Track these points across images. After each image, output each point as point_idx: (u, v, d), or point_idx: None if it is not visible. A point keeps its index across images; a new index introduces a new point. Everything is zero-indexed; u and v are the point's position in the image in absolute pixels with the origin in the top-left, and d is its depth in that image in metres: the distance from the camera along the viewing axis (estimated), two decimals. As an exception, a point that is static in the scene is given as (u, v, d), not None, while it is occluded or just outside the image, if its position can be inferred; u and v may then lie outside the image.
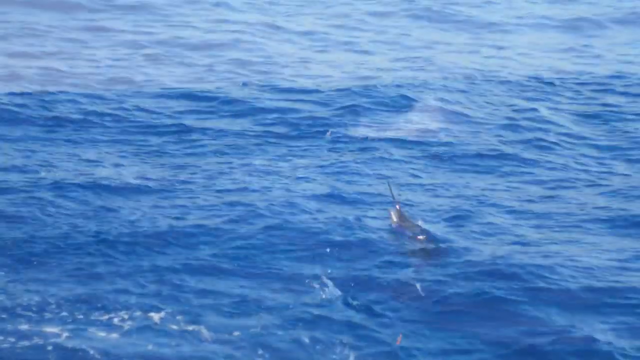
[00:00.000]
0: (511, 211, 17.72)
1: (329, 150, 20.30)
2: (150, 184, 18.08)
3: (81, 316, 13.43)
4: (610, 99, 23.83)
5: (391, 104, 23.07)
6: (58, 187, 17.70)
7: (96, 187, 17.79)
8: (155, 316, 13.48)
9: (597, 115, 22.72)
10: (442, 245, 15.93)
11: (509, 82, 25.09)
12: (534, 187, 19.00)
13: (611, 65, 26.40)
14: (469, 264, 15.43)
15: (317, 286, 14.47)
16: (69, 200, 17.20)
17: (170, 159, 19.48)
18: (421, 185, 18.52)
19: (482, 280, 14.89)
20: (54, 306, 13.69)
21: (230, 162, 19.30)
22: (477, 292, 14.57)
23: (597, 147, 21.15)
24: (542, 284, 14.87)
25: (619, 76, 25.44)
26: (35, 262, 14.88)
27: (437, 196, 18.25)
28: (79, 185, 17.81)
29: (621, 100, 23.81)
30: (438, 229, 16.44)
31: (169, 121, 21.49)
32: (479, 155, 20.41)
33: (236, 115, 22.21)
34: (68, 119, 21.18)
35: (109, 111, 21.75)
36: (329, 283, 14.57)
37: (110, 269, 14.73)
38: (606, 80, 25.06)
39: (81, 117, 21.35)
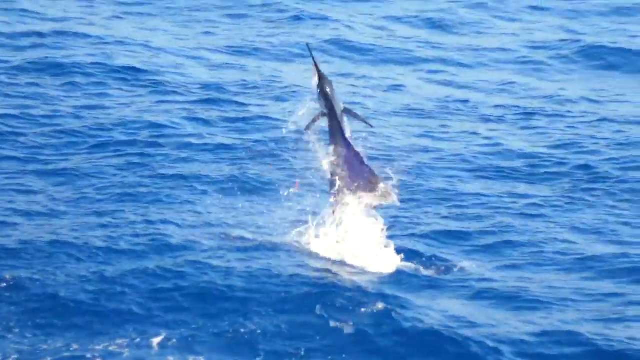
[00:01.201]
0: (492, 231, 18.09)
1: (308, 169, 20.43)
2: (139, 204, 17.96)
3: (76, 346, 13.13)
4: (587, 127, 24.20)
5: (364, 124, 23.24)
6: (49, 208, 17.55)
7: (84, 209, 17.65)
8: (154, 342, 13.29)
9: (574, 143, 23.04)
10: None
11: (480, 108, 25.38)
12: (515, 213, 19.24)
13: (587, 93, 26.87)
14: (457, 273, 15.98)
15: (313, 310, 14.42)
16: (58, 220, 17.00)
17: (157, 181, 19.36)
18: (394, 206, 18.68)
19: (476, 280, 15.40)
20: (45, 336, 13.36)
21: (213, 184, 19.33)
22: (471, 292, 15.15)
23: (577, 172, 21.44)
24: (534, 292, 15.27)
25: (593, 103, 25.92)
26: (24, 290, 14.57)
27: (413, 214, 18.49)
28: (68, 207, 17.64)
29: (599, 128, 24.22)
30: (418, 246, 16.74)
31: (142, 142, 21.37)
32: (456, 176, 20.67)
33: (211, 134, 22.19)
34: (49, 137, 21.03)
35: (83, 130, 21.61)
36: (325, 306, 14.52)
37: (106, 294, 14.51)
38: (581, 108, 25.48)
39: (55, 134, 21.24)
